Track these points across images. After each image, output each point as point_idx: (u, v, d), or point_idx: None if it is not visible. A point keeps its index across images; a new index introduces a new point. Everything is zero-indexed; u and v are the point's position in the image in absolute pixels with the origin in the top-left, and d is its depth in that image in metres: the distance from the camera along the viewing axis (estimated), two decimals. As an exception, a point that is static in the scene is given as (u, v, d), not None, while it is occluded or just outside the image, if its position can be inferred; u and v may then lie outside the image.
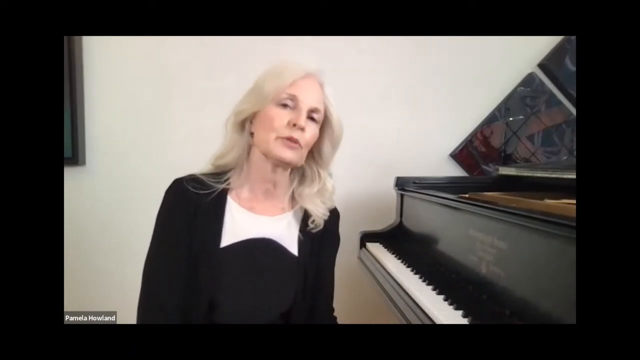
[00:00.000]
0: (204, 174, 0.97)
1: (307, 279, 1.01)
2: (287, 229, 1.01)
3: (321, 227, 1.01)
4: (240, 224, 0.97)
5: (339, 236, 1.11)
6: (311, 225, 1.01)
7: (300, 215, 1.03)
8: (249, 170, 0.99)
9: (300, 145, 0.93)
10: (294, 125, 0.91)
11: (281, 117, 0.92)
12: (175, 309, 0.91)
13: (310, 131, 0.95)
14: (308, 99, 0.94)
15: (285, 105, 0.93)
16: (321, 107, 0.97)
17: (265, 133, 0.93)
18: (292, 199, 1.04)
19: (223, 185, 0.96)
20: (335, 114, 1.00)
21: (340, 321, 1.12)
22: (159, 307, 0.91)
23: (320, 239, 1.04)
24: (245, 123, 0.98)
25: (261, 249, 0.97)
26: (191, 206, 0.94)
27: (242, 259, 0.95)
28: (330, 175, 1.05)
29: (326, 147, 1.01)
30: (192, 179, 0.95)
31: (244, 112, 0.96)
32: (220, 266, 0.93)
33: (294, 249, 1.01)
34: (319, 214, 1.00)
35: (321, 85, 0.99)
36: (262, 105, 0.94)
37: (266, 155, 0.94)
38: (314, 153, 1.01)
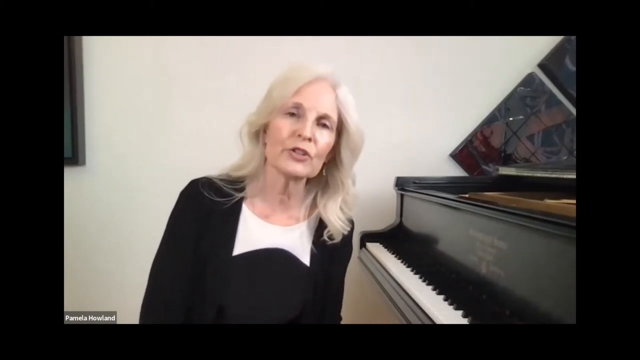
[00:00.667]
0: (221, 179, 0.95)
1: (317, 288, 0.99)
2: (300, 239, 1.00)
3: (337, 240, 0.99)
4: (253, 232, 0.95)
5: (352, 246, 1.09)
6: (325, 237, 0.98)
7: (314, 225, 1.01)
8: (264, 181, 0.97)
9: (309, 156, 0.90)
10: (299, 135, 0.88)
11: (287, 128, 0.89)
12: (179, 310, 0.91)
13: (323, 140, 0.91)
14: (315, 106, 0.90)
15: (292, 115, 0.90)
16: (332, 113, 0.92)
17: (273, 145, 0.91)
18: (309, 207, 1.01)
19: (240, 195, 0.94)
20: (352, 119, 0.95)
21: (340, 321, 1.12)
22: (163, 308, 0.91)
23: (333, 250, 1.01)
24: (259, 134, 0.95)
25: (273, 259, 0.95)
26: (204, 211, 0.92)
27: (253, 268, 0.94)
28: (354, 181, 1.02)
29: (345, 154, 0.96)
30: (208, 184, 0.93)
31: (255, 123, 0.94)
32: (230, 274, 0.92)
33: (306, 259, 0.99)
34: (339, 227, 0.97)
35: (334, 89, 0.94)
36: (271, 115, 0.92)
37: (275, 168, 0.92)
38: (336, 161, 0.98)
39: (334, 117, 0.93)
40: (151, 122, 1.79)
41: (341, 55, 1.79)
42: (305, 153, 0.89)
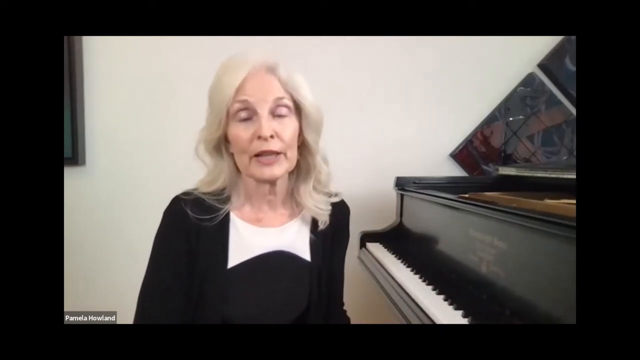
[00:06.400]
0: (203, 192, 0.90)
1: (321, 282, 0.98)
2: (298, 235, 0.97)
3: (328, 222, 0.97)
4: (247, 240, 0.92)
5: (349, 231, 1.08)
6: (321, 226, 0.97)
7: (309, 217, 0.99)
8: (246, 189, 0.93)
9: (279, 152, 0.84)
10: (259, 137, 0.82)
11: (245, 133, 0.83)
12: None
13: (286, 130, 0.85)
14: (263, 97, 0.83)
15: (244, 117, 0.84)
16: (283, 95, 0.85)
17: (239, 155, 0.87)
18: (298, 202, 0.97)
19: (226, 208, 0.89)
20: (303, 97, 0.88)
21: (340, 321, 1.12)
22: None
23: (332, 237, 1.00)
24: (221, 146, 0.89)
25: (273, 263, 0.93)
26: (192, 228, 0.87)
27: (254, 276, 0.91)
28: (325, 160, 0.97)
29: (309, 135, 0.90)
30: (191, 201, 0.88)
31: (209, 138, 0.88)
32: (230, 286, 0.88)
33: (306, 254, 0.97)
34: (321, 211, 0.95)
35: (274, 71, 0.87)
36: (221, 127, 0.85)
37: (251, 178, 0.89)
38: (304, 143, 0.92)
39: (287, 100, 0.86)
40: (151, 122, 1.79)
41: (341, 55, 1.79)
42: (273, 153, 0.84)
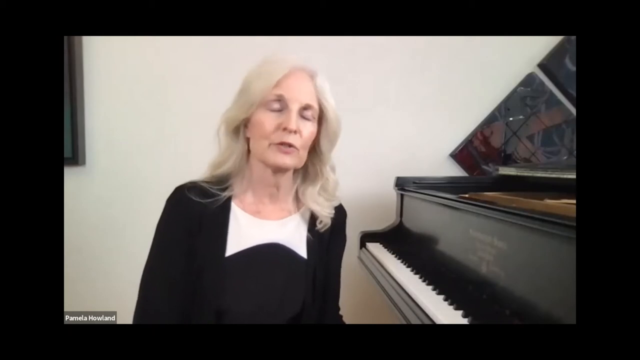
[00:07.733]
0: (206, 182, 0.94)
1: (317, 281, 0.99)
2: (296, 231, 0.99)
3: (329, 225, 0.99)
4: (246, 230, 0.94)
5: (346, 235, 1.09)
6: (319, 226, 0.99)
7: (308, 216, 1.01)
8: (250, 176, 0.96)
9: (296, 148, 0.89)
10: (285, 129, 0.87)
11: (271, 122, 0.88)
12: (173, 321, 0.89)
13: (307, 130, 0.91)
14: (297, 97, 0.89)
15: (274, 108, 0.89)
16: (313, 103, 0.92)
17: (259, 140, 0.90)
18: (298, 200, 1.01)
19: (226, 194, 0.93)
20: (331, 107, 0.95)
21: (340, 321, 1.12)
22: (155, 320, 0.89)
23: (329, 240, 1.02)
24: (240, 129, 0.94)
25: (269, 255, 0.94)
26: (194, 216, 0.90)
27: (250, 266, 0.92)
28: (333, 169, 1.01)
29: (324, 143, 0.96)
30: (193, 188, 0.92)
31: (235, 119, 0.93)
32: (227, 275, 0.90)
33: (302, 251, 0.99)
34: (325, 213, 0.98)
35: (312, 78, 0.93)
36: (250, 110, 0.90)
37: (263, 162, 0.91)
38: (315, 149, 0.97)
39: (316, 106, 0.92)
40: (151, 122, 1.79)
41: (341, 55, 1.79)
42: (291, 145, 0.88)
